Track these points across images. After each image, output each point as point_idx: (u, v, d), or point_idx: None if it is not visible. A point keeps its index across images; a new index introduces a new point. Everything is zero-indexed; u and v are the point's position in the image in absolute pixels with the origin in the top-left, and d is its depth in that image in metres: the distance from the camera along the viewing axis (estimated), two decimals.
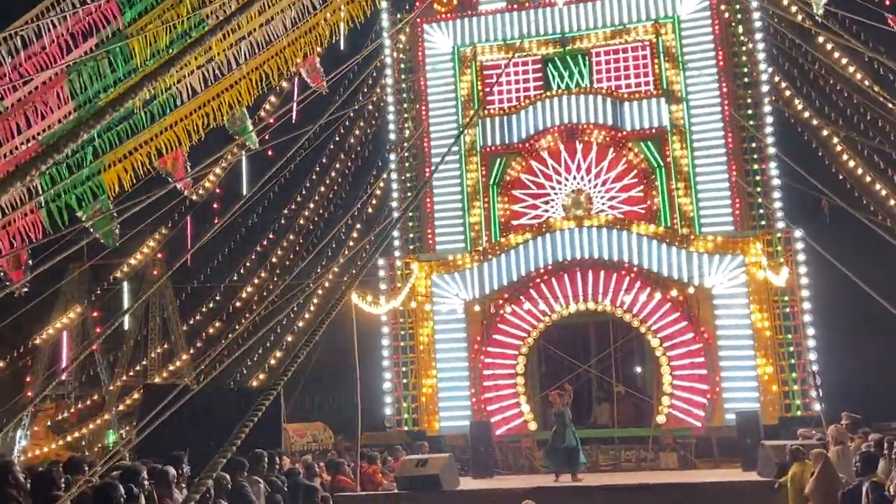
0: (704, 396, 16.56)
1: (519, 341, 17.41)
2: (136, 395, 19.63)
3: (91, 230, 13.00)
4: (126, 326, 21.47)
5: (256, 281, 21.64)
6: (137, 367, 24.11)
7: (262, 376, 20.81)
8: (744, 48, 19.05)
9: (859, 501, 8.62)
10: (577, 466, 14.42)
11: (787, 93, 19.95)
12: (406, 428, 17.84)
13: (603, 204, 18.63)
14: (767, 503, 11.67)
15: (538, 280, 17.52)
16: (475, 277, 17.81)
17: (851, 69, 18.09)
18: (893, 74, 17.27)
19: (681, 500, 12.77)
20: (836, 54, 18.23)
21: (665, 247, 17.20)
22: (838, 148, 19.10)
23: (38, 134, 10.17)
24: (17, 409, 18.06)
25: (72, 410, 22.60)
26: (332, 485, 12.59)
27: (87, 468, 7.99)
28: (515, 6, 19.80)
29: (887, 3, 15.09)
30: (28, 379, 21.33)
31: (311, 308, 20.40)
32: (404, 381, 18.07)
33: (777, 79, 19.68)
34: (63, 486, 6.87)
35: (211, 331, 21.85)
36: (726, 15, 19.25)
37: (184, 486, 8.31)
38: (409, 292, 17.85)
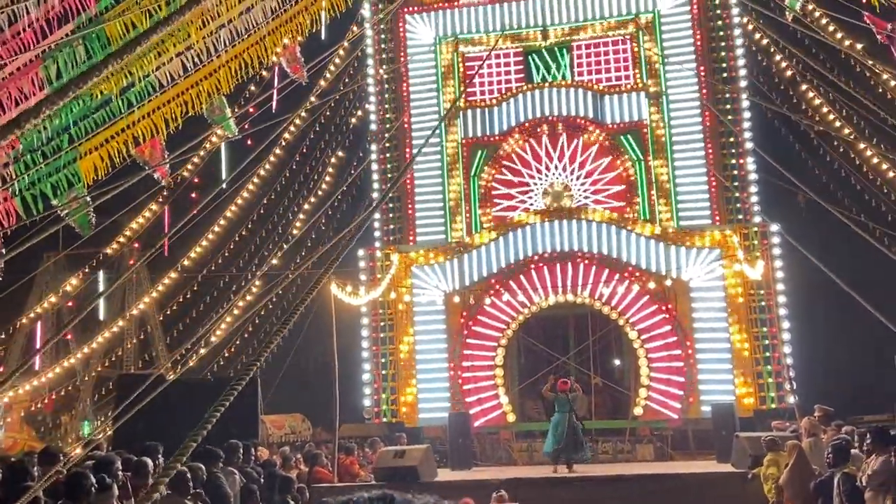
0: (681, 389, 16.68)
1: (498, 333, 17.46)
2: (110, 385, 19.54)
3: (66, 218, 12.88)
4: (101, 316, 21.25)
5: (234, 270, 21.55)
6: (112, 358, 23.97)
7: (240, 367, 20.72)
8: (723, 44, 19.13)
9: (831, 492, 8.70)
10: (579, 454, 14.29)
11: (765, 88, 20.08)
12: (385, 420, 17.85)
13: (583, 197, 18.68)
14: (741, 494, 11.76)
15: (518, 272, 17.55)
16: (455, 269, 17.82)
17: (828, 65, 18.26)
18: (868, 70, 17.42)
19: (656, 492, 12.84)
20: (814, 50, 18.38)
21: (644, 239, 17.31)
22: (815, 143, 19.28)
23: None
24: None
25: (45, 401, 22.42)
26: (310, 476, 12.56)
27: (61, 458, 7.93)
28: None
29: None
30: (2, 369, 21.13)
31: (290, 297, 20.33)
32: (383, 372, 18.06)
33: (756, 73, 19.78)
34: (36, 476, 6.82)
35: (187, 321, 21.74)
36: (706, 11, 19.32)
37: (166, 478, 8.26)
38: (388, 283, 17.83)
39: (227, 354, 21.24)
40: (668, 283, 17.08)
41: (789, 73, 19.28)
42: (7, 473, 6.89)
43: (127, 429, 10.23)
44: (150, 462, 7.82)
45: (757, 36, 19.48)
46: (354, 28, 20.20)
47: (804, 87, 19.09)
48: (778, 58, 19.30)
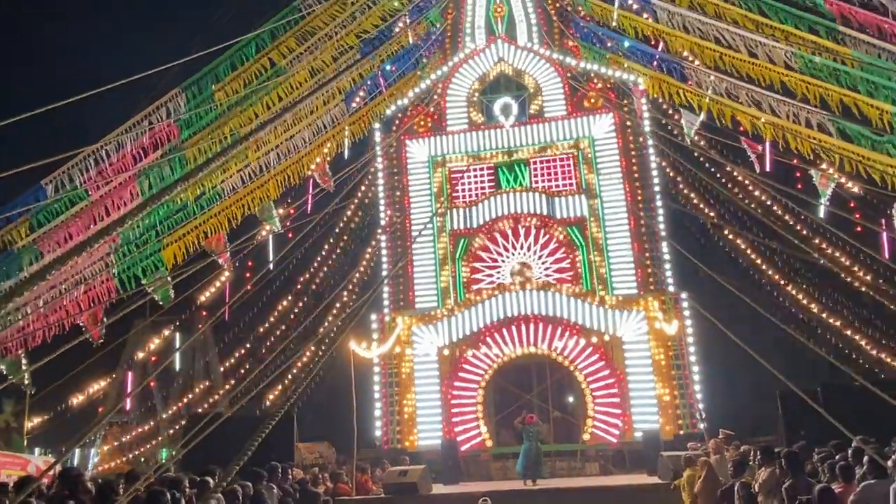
0: (619, 419, 16.49)
1: (479, 377, 17.29)
2: (182, 422, 19.16)
3: (151, 293, 12.94)
4: (177, 367, 21.02)
5: (278, 332, 21.43)
6: (184, 400, 23.60)
7: (284, 407, 20.34)
8: (641, 158, 19.55)
9: (734, 497, 8.60)
10: (540, 472, 14.17)
11: (674, 191, 20.47)
12: (392, 446, 17.51)
13: (540, 272, 18.78)
14: (666, 500, 11.54)
15: (493, 330, 17.49)
16: (445, 328, 17.74)
17: (718, 175, 18.72)
18: (746, 178, 17.89)
19: (601, 500, 12.60)
20: (707, 164, 18.86)
21: (587, 304, 17.29)
22: (711, 231, 19.58)
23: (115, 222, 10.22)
24: (91, 431, 17.54)
25: (132, 434, 21.97)
26: (334, 491, 12.31)
27: (142, 478, 7.79)
28: (474, 127, 20.27)
29: (741, 128, 15.74)
30: (101, 410, 20.77)
31: (320, 353, 20.18)
32: (391, 408, 17.81)
33: (666, 181, 20.20)
34: (122, 492, 6.70)
35: (242, 371, 21.50)
36: (628, 136, 19.84)
37: (219, 493, 8.11)
38: (394, 340, 17.75)
39: (272, 396, 20.94)
40: (607, 337, 17.05)
41: (690, 180, 19.72)
42: (98, 491, 6.77)
43: (194, 455, 10.07)
44: (210, 481, 7.69)
45: (666, 153, 19.95)
46: (369, 150, 20.71)
47: (701, 189, 19.50)
48: (681, 169, 19.77)
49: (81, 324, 12.47)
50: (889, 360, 17.81)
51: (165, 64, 9.34)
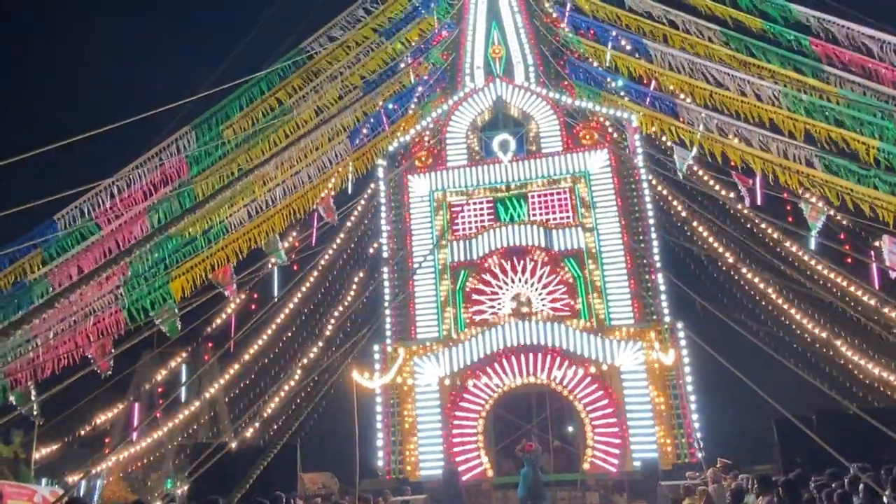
0: (618, 448, 16.33)
1: (479, 407, 17.18)
2: (188, 451, 18.95)
3: (159, 325, 12.95)
4: (183, 399, 20.86)
5: (282, 362, 21.32)
6: (190, 430, 23.36)
7: (286, 436, 20.14)
8: (635, 193, 19.72)
9: None
10: (542, 498, 14.07)
11: (667, 225, 20.57)
12: (394, 476, 17.31)
13: (539, 303, 18.78)
14: None
15: (493, 361, 17.42)
16: (446, 359, 17.68)
17: (710, 208, 18.85)
18: (738, 212, 18.02)
19: None
20: (699, 198, 19.01)
21: (585, 335, 17.25)
22: (706, 263, 19.62)
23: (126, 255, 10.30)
24: (99, 462, 17.35)
25: (139, 464, 21.69)
26: None
27: None
28: (473, 163, 20.50)
29: (731, 164, 15.94)
30: (107, 440, 20.57)
31: (323, 383, 20.05)
32: (393, 438, 17.65)
33: (660, 214, 20.33)
34: None
35: (246, 402, 21.33)
36: (622, 171, 20.03)
37: None
38: (396, 371, 17.68)
39: (275, 427, 20.73)
40: (605, 367, 16.98)
41: (684, 213, 19.83)
42: None
43: (199, 484, 9.99)
44: None
45: (659, 188, 20.12)
46: (372, 185, 20.92)
47: (695, 223, 19.59)
48: (675, 202, 19.91)
49: (90, 355, 12.47)
50: (882, 388, 17.70)
51: (175, 101, 9.53)
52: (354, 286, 21.33)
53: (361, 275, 21.63)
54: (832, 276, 17.43)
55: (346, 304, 20.74)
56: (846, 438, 8.65)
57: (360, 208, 20.76)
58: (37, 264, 12.60)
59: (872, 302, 16.58)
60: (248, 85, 15.87)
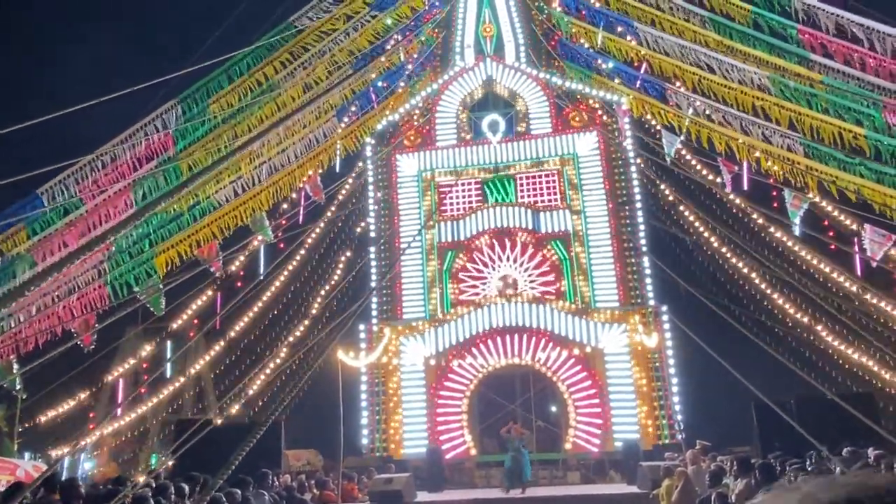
0: (599, 429, 16.50)
1: (464, 387, 17.26)
2: (172, 427, 18.93)
3: (143, 301, 12.84)
4: (168, 375, 20.79)
5: (268, 340, 21.28)
6: (175, 406, 23.33)
7: (273, 415, 20.14)
8: (623, 176, 19.70)
9: None
10: (525, 480, 14.22)
11: (654, 208, 20.63)
12: (378, 453, 17.40)
13: (525, 284, 18.82)
14: None
15: (478, 341, 17.47)
16: (432, 339, 17.70)
17: (697, 192, 18.91)
18: (723, 196, 18.08)
19: None
20: (686, 182, 19.05)
21: (570, 317, 17.32)
22: (691, 247, 19.72)
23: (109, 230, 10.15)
24: (83, 438, 17.29)
25: (124, 440, 21.68)
26: (320, 498, 12.20)
27: (128, 483, 7.73)
28: (462, 143, 20.35)
29: (718, 150, 15.97)
30: (92, 415, 20.49)
31: (309, 361, 20.03)
32: (377, 417, 17.70)
33: (647, 198, 20.37)
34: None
35: (232, 378, 21.31)
36: (610, 154, 19.98)
37: (206, 500, 8.03)
38: (382, 350, 17.69)
39: (260, 403, 20.74)
40: (589, 349, 17.09)
41: (671, 197, 19.88)
42: (92, 495, 6.71)
43: (183, 461, 9.97)
44: (186, 487, 7.61)
45: (647, 172, 20.12)
46: (360, 164, 20.75)
47: (681, 207, 19.65)
48: (662, 186, 19.94)
49: (73, 330, 12.35)
50: (862, 374, 18.00)
51: (162, 76, 9.33)
52: (341, 265, 21.23)
53: (349, 254, 21.53)
54: (815, 261, 17.59)
55: (333, 283, 20.65)
56: (825, 423, 8.78)
57: (347, 187, 20.59)
58: (22, 239, 12.41)
59: (854, 288, 16.77)
60: (236, 60, 15.58)
